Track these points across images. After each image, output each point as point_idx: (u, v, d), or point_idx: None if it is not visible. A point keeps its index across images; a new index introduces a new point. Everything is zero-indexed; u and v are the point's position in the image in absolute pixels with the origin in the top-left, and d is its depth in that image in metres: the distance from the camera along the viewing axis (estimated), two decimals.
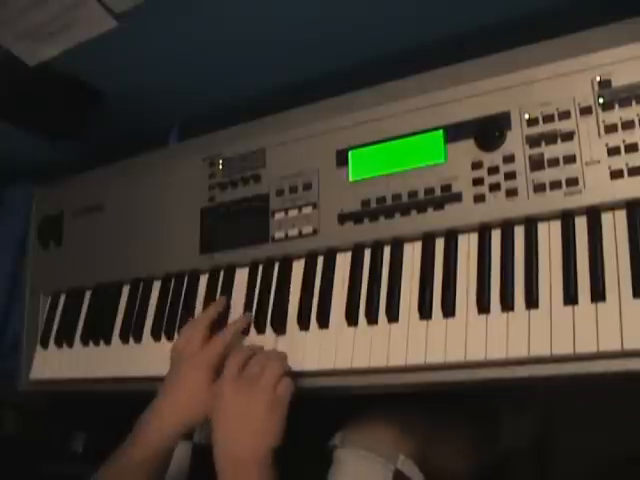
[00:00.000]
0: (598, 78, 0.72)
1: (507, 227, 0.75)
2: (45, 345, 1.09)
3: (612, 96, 0.71)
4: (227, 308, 0.91)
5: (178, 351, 0.86)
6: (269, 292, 0.89)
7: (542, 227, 0.74)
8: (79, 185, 1.13)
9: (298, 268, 0.88)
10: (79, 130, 1.12)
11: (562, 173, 0.73)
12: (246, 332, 0.88)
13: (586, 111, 0.72)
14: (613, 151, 0.70)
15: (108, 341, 1.02)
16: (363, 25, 0.91)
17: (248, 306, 0.90)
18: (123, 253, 1.04)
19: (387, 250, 0.83)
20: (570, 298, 0.68)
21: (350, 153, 0.86)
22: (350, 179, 0.86)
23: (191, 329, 0.87)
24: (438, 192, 0.79)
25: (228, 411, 0.76)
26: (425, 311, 0.76)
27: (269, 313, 0.88)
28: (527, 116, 0.76)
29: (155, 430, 0.79)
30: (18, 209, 1.26)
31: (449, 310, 0.75)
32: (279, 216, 0.90)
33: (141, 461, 0.78)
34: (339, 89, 0.90)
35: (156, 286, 1.01)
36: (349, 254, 0.85)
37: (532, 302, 0.70)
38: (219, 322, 0.90)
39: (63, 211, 1.13)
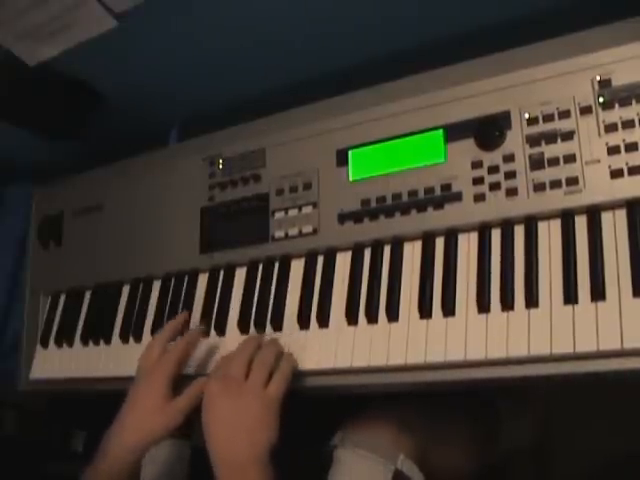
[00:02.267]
0: (598, 77, 0.72)
1: (507, 226, 0.75)
2: (45, 345, 1.09)
3: (612, 95, 0.71)
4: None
5: (140, 367, 0.86)
6: (269, 291, 0.89)
7: (542, 226, 0.74)
8: (79, 185, 1.13)
9: (298, 267, 0.88)
10: (79, 130, 1.12)
11: (562, 172, 0.73)
12: (246, 332, 0.88)
13: (586, 110, 0.73)
14: (613, 150, 0.70)
15: (108, 341, 1.02)
16: (363, 25, 0.91)
17: (248, 305, 0.90)
18: (123, 253, 1.04)
19: (387, 249, 0.83)
20: (570, 297, 0.68)
21: (350, 153, 0.86)
22: (350, 179, 0.86)
23: (150, 345, 0.87)
24: (438, 191, 0.79)
25: (219, 415, 0.76)
26: (425, 310, 0.76)
27: (269, 312, 0.87)
28: (527, 115, 0.76)
29: (117, 445, 0.79)
30: (18, 209, 1.26)
31: (449, 309, 0.75)
32: (279, 215, 0.90)
33: (107, 476, 0.78)
34: (339, 89, 0.90)
35: (156, 286, 1.01)
36: (349, 253, 0.85)
37: (532, 301, 0.70)
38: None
39: (63, 211, 1.13)
